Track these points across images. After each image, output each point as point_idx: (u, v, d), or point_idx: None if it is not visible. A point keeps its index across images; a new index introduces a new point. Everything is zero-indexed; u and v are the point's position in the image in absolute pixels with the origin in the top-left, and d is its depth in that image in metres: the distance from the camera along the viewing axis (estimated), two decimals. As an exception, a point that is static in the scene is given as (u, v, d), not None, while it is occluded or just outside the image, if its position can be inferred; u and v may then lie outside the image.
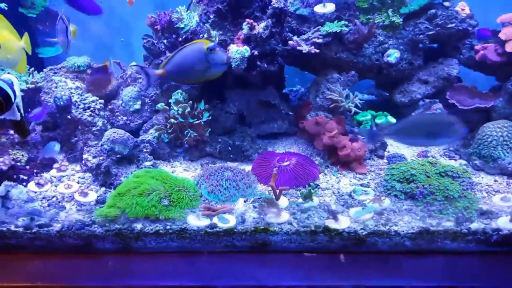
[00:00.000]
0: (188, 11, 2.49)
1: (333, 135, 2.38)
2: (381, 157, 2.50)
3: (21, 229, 1.83)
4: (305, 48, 2.39)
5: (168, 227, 1.81)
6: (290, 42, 2.42)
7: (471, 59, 2.68)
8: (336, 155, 2.39)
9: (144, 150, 2.40)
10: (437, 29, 2.66)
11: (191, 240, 1.79)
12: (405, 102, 2.75)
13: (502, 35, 2.50)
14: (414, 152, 2.56)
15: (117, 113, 2.72)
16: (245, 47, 2.34)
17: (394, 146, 2.64)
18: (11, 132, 2.44)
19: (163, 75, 2.10)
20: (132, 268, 1.73)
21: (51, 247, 1.82)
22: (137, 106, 2.72)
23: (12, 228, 1.84)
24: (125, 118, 2.73)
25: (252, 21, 2.33)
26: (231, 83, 2.60)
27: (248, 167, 2.39)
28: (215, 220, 1.85)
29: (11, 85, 1.58)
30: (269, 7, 2.39)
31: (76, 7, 2.61)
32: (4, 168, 2.23)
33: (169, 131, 2.49)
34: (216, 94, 2.60)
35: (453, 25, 2.64)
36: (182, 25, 2.43)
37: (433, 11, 2.65)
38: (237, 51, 2.32)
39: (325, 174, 2.33)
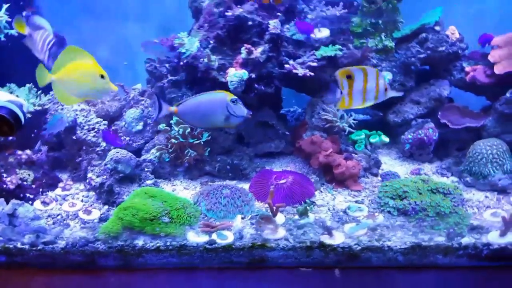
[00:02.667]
0: (189, 37, 2.59)
1: (328, 154, 2.45)
2: (375, 175, 2.57)
3: (27, 246, 1.89)
4: (300, 71, 2.48)
5: (168, 244, 1.87)
6: (286, 65, 2.52)
7: (462, 80, 2.76)
8: (331, 173, 2.46)
9: (146, 169, 2.47)
10: (428, 52, 2.75)
11: (190, 256, 1.85)
12: (398, 121, 2.83)
13: (490, 58, 2.59)
14: (407, 169, 2.63)
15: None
16: (243, 70, 2.44)
17: (388, 164, 2.71)
18: (19, 152, 2.51)
19: (175, 113, 2.07)
20: (133, 284, 1.79)
21: (56, 264, 1.88)
22: (140, 127, 2.81)
23: (19, 245, 1.90)
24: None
25: (250, 46, 2.44)
26: (230, 105, 2.68)
27: (246, 185, 2.46)
28: (213, 236, 1.91)
29: (20, 107, 1.60)
30: (267, 33, 2.51)
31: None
32: (12, 187, 2.30)
33: (170, 150, 2.57)
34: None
35: (443, 48, 2.73)
36: (183, 50, 2.53)
37: (424, 35, 2.74)
38: (235, 74, 2.42)
39: (321, 192, 2.40)
